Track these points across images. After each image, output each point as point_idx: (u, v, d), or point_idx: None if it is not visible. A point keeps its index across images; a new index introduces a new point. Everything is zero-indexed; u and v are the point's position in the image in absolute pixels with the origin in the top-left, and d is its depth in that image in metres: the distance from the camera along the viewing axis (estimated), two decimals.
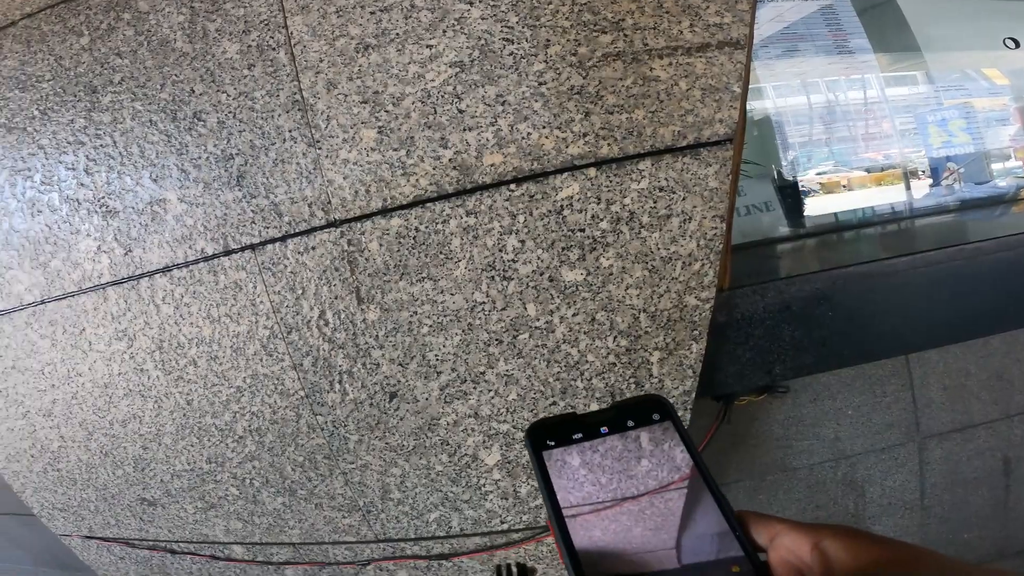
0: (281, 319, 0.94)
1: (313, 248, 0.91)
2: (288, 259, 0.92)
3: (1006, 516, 1.22)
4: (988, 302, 1.00)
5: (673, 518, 0.31)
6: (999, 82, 2.05)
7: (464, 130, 0.87)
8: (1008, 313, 1.02)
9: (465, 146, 0.87)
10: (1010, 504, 1.22)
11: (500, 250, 0.86)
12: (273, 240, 0.92)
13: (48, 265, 1.01)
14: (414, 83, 0.89)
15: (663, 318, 0.85)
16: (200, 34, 0.98)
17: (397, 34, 0.90)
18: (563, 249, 0.85)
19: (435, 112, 0.88)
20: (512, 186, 0.86)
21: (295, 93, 0.93)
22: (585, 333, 0.87)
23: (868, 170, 1.72)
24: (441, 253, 0.88)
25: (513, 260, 0.86)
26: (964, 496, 1.20)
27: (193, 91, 0.97)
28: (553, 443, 0.33)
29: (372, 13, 0.91)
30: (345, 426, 1.00)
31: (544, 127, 0.85)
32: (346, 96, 0.91)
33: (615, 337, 0.86)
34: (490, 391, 0.92)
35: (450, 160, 0.87)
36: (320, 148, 0.91)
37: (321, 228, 0.91)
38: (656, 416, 0.35)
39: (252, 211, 0.93)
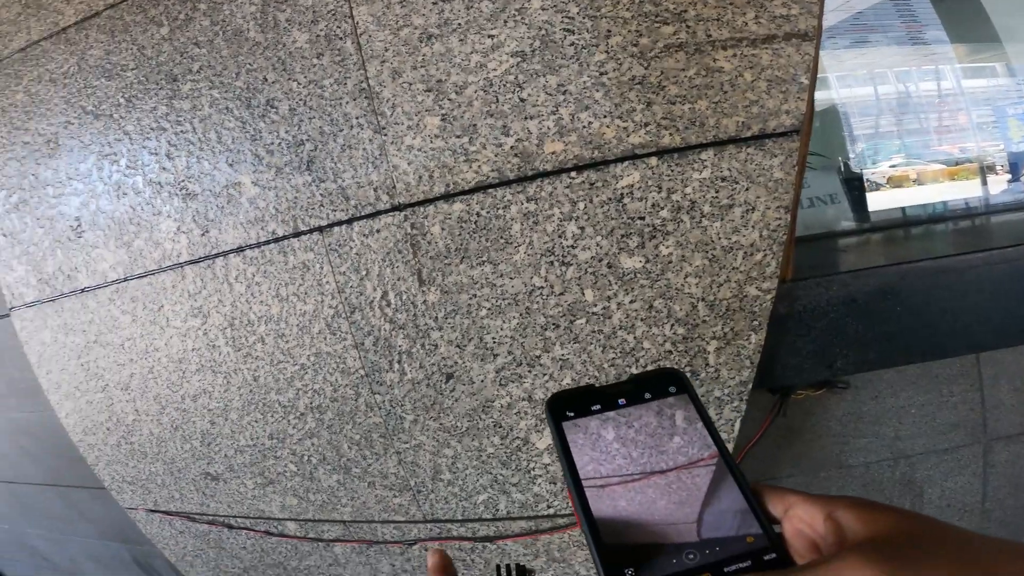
0: (345, 299, 1.01)
1: (378, 231, 0.97)
2: (354, 241, 0.98)
3: None
4: None
5: (689, 490, 0.32)
6: None
7: (525, 118, 0.91)
8: None
9: (526, 134, 0.91)
10: None
11: (560, 236, 0.90)
12: (340, 223, 0.99)
13: (131, 245, 1.11)
14: (476, 72, 0.93)
15: (722, 307, 0.87)
16: (271, 24, 1.04)
17: (459, 24, 0.95)
18: (622, 236, 0.88)
19: (497, 100, 0.92)
20: (573, 173, 0.89)
21: (362, 81, 0.98)
22: (642, 320, 0.90)
23: (941, 164, 1.68)
24: (501, 238, 0.92)
25: (572, 246, 0.90)
26: None
27: (266, 79, 1.04)
28: (572, 414, 0.35)
29: (435, 3, 0.95)
30: (402, 406, 1.06)
31: (605, 116, 0.88)
32: (410, 84, 0.96)
33: (672, 325, 0.89)
34: (545, 375, 0.96)
35: (511, 147, 0.91)
36: (386, 134, 0.96)
37: (386, 211, 0.96)
38: (672, 389, 0.36)
39: (321, 195, 0.99)
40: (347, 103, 0.99)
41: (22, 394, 1.72)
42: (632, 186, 0.87)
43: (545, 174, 0.90)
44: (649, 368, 0.92)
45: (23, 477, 2.02)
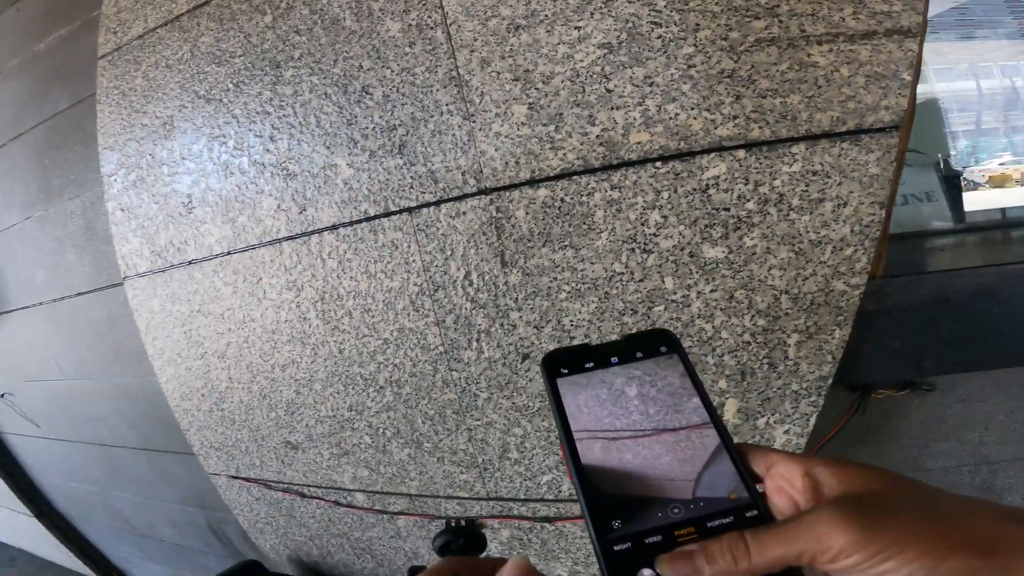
0: (430, 277, 1.08)
1: (464, 213, 1.04)
2: (440, 222, 1.06)
3: None
4: None
5: (677, 447, 0.34)
6: None
7: (612, 109, 0.95)
8: None
9: (612, 124, 0.95)
10: None
11: (642, 224, 0.94)
12: (428, 204, 1.06)
13: (236, 220, 1.23)
14: (563, 63, 0.98)
15: (806, 301, 0.89)
16: (366, 13, 1.13)
17: (546, 15, 0.99)
18: (706, 226, 0.91)
19: (583, 91, 0.97)
20: (658, 163, 0.93)
21: (452, 70, 1.05)
22: (721, 310, 0.92)
23: None
24: (584, 224, 0.97)
25: (654, 234, 0.93)
26: None
27: (361, 67, 1.13)
28: (566, 371, 0.37)
29: None
30: (477, 383, 1.13)
31: (693, 108, 0.91)
32: (499, 74, 1.02)
33: (752, 316, 0.91)
34: None
35: (597, 136, 0.96)
36: (474, 121, 1.03)
37: (472, 195, 1.03)
38: (663, 348, 0.38)
39: (411, 177, 1.07)
40: (438, 90, 1.06)
41: (127, 359, 1.87)
42: (718, 177, 0.90)
43: (630, 163, 0.94)
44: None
45: (119, 441, 2.18)
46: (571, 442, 0.34)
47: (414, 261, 1.09)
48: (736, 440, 0.38)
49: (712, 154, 0.90)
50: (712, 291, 0.92)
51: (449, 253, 1.06)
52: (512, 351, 1.07)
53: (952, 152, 1.60)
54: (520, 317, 1.04)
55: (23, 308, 2.20)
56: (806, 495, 0.31)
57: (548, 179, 0.98)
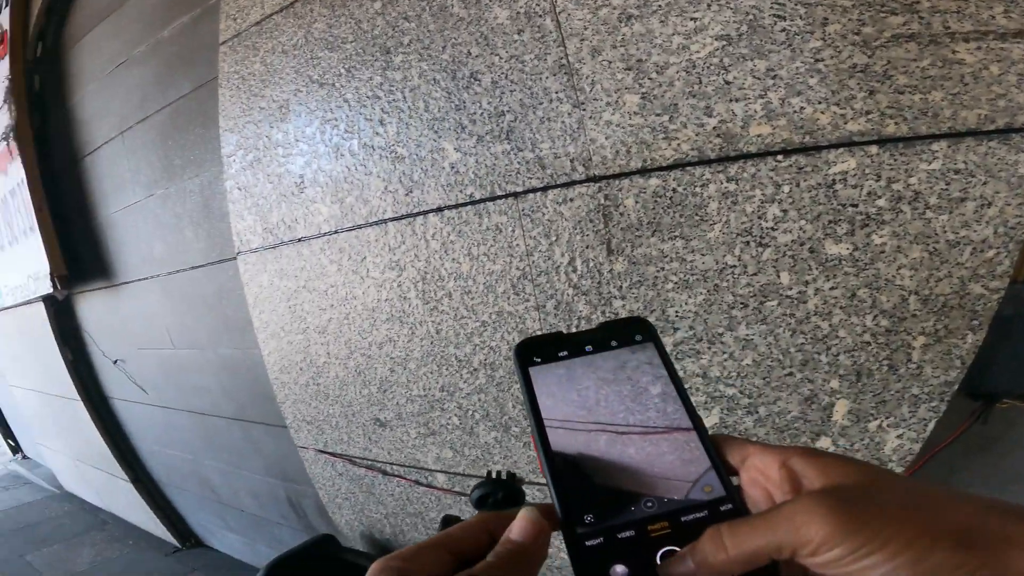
0: (533, 262, 1.12)
1: (571, 200, 1.06)
2: (547, 208, 1.09)
3: None
4: None
5: (650, 439, 0.33)
6: None
7: (730, 101, 0.95)
8: None
9: (731, 116, 0.95)
10: None
11: (759, 217, 0.93)
12: (535, 190, 1.10)
13: (344, 201, 1.30)
14: (678, 53, 0.99)
15: (937, 303, 0.86)
16: (474, 1, 1.16)
17: (660, 6, 1.00)
18: (830, 222, 0.89)
19: (700, 82, 0.97)
20: (779, 157, 0.92)
21: (561, 58, 1.07)
22: (841, 308, 0.91)
23: None
24: (696, 215, 0.97)
25: (772, 228, 0.93)
26: None
27: (470, 53, 1.17)
28: (539, 360, 0.36)
29: None
30: None
31: (820, 102, 0.89)
32: (610, 63, 1.04)
33: (875, 316, 0.89)
34: (724, 353, 1.00)
35: (714, 128, 0.96)
36: (584, 109, 1.05)
37: (580, 182, 1.05)
38: (639, 337, 0.37)
39: (518, 163, 1.11)
40: (547, 78, 1.09)
41: (233, 332, 1.99)
42: (846, 173, 0.88)
43: (749, 156, 0.94)
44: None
45: (217, 410, 2.31)
46: (542, 433, 0.33)
47: (518, 245, 1.12)
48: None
49: (840, 149, 0.89)
50: (832, 288, 0.91)
51: (554, 239, 1.09)
52: None
53: None
54: (623, 305, 1.05)
55: (141, 279, 2.39)
56: (783, 487, 0.30)
57: (660, 169, 0.99)
